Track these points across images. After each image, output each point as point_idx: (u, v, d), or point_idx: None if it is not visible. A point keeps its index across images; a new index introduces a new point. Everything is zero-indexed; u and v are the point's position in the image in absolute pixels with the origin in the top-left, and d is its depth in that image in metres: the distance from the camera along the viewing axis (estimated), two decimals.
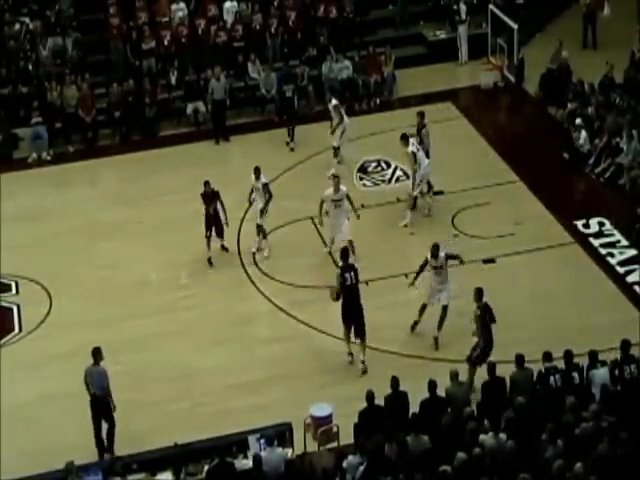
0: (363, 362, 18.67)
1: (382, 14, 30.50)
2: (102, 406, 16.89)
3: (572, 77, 26.99)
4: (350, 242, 20.58)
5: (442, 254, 18.83)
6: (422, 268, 19.05)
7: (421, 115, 23.07)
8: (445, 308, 18.99)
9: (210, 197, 21.47)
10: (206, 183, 21.51)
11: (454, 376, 16.20)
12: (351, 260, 18.91)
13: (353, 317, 18.60)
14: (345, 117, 24.27)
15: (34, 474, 15.81)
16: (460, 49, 29.62)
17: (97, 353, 16.75)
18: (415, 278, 19.17)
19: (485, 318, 17.57)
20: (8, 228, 22.98)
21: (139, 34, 28.28)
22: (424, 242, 21.40)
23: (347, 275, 18.52)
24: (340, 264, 18.81)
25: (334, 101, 24.45)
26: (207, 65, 27.72)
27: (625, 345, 16.34)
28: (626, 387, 16.02)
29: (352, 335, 18.70)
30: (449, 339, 19.14)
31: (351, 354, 18.86)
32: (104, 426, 17.00)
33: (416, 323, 19.37)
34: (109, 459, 16.34)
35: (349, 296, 18.50)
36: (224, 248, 21.97)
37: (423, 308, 19.21)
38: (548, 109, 27.10)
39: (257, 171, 21.78)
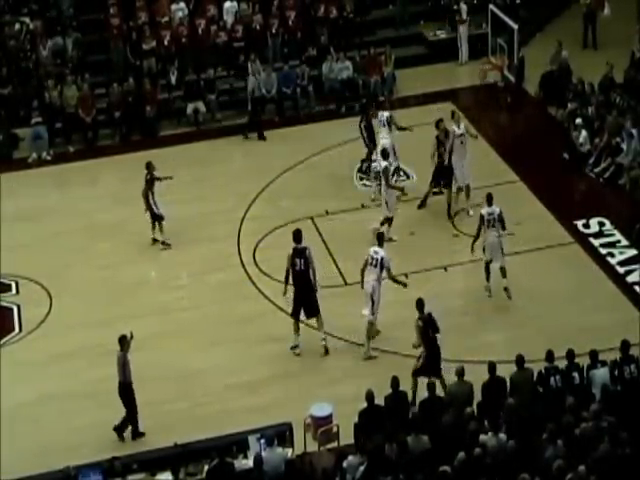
0: (323, 339, 18.89)
1: (382, 14, 30.51)
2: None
3: (572, 77, 26.99)
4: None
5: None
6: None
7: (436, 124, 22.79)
8: None
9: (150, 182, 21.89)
10: (148, 165, 21.95)
11: (459, 374, 16.15)
12: (304, 244, 18.85)
13: (303, 302, 18.74)
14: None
15: (34, 474, 15.82)
16: (460, 49, 29.63)
17: (122, 340, 17.10)
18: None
19: (427, 330, 17.46)
20: (8, 228, 22.98)
21: (139, 34, 28.30)
22: (424, 242, 21.49)
23: (297, 260, 18.59)
24: (292, 246, 18.74)
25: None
26: (207, 65, 27.77)
27: (625, 345, 16.33)
28: (626, 387, 16.01)
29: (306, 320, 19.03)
30: (449, 339, 19.12)
31: (296, 346, 19.08)
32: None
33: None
34: (109, 459, 16.32)
35: (298, 282, 18.62)
36: (156, 241, 22.25)
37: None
38: (548, 109, 27.11)
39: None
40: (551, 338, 17.93)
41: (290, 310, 19.16)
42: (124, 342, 17.08)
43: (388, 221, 21.69)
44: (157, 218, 22.18)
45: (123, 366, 17.07)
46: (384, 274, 18.80)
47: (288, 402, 17.63)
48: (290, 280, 18.91)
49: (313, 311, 18.95)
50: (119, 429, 17.38)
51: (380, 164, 21.93)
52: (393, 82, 28.36)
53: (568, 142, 24.82)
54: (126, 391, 17.18)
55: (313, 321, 19.34)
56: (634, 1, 29.45)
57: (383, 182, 21.64)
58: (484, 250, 20.03)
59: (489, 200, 20.10)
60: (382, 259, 18.76)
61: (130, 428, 17.41)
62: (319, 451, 15.96)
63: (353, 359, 19.02)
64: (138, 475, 15.49)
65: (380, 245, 19.00)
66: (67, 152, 26.72)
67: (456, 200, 22.69)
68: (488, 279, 20.19)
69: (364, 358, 18.93)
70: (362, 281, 18.89)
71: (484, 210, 20.04)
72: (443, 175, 22.60)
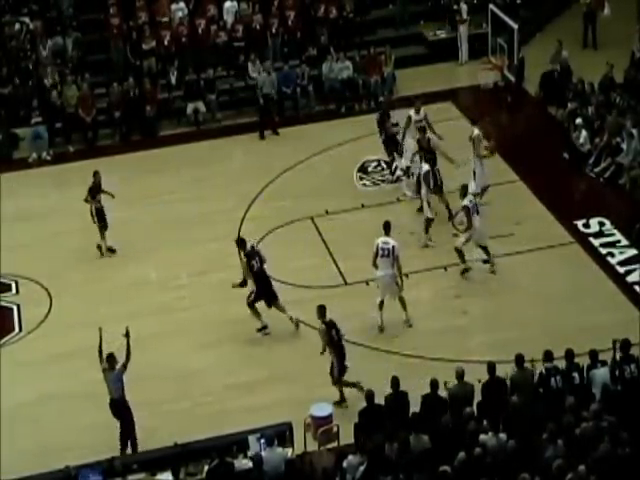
0: (291, 318, 19.30)
1: (382, 14, 30.51)
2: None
3: (572, 77, 26.98)
4: None
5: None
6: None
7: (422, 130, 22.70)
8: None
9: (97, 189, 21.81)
10: (95, 173, 21.84)
11: (459, 376, 16.14)
12: (254, 245, 19.64)
13: (264, 294, 19.36)
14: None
15: (34, 474, 15.82)
16: (460, 49, 29.63)
17: (110, 358, 16.73)
18: None
19: (331, 335, 17.59)
20: (8, 228, 22.98)
21: (139, 34, 28.29)
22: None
23: (253, 262, 19.16)
24: (245, 252, 19.34)
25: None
26: (207, 65, 27.78)
27: (625, 345, 16.31)
28: (626, 387, 16.01)
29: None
30: (450, 338, 19.15)
31: (265, 327, 19.51)
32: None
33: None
34: (109, 459, 16.31)
35: (260, 280, 19.18)
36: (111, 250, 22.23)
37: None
38: (548, 109, 27.10)
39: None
40: (551, 338, 17.92)
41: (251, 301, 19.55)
42: (113, 360, 16.70)
43: (429, 223, 21.61)
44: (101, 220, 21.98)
45: (120, 382, 16.74)
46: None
47: (288, 402, 17.61)
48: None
49: (272, 297, 19.48)
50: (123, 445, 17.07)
51: (422, 167, 21.75)
52: (393, 82, 28.36)
53: (568, 142, 24.82)
54: (125, 406, 16.91)
55: (317, 322, 19.42)
56: (634, 1, 29.46)
57: (424, 185, 21.54)
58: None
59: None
60: (393, 247, 18.96)
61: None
62: (319, 451, 15.96)
63: (353, 359, 18.99)
64: (138, 475, 15.49)
65: (387, 234, 19.08)
66: (67, 152, 26.73)
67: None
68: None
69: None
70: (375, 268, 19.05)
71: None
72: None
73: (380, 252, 19.03)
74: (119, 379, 16.72)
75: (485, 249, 20.67)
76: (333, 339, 17.61)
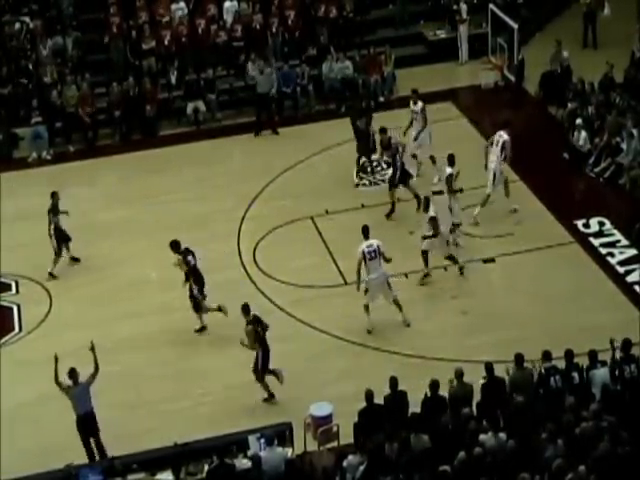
0: (219, 308, 19.55)
1: (382, 14, 30.51)
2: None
3: (572, 77, 26.98)
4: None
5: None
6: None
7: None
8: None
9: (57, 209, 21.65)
10: (53, 194, 21.66)
11: (458, 376, 16.13)
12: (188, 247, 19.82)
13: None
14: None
15: (34, 474, 15.81)
16: (460, 49, 29.63)
17: (72, 373, 16.52)
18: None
19: (258, 331, 17.77)
20: (8, 228, 22.97)
21: (139, 33, 28.29)
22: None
23: (189, 258, 19.51)
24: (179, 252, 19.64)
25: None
26: (207, 64, 27.78)
27: (625, 345, 16.31)
28: (626, 387, 16.01)
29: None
30: (450, 338, 19.16)
31: (204, 328, 19.82)
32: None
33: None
34: (108, 459, 16.32)
35: (197, 276, 19.64)
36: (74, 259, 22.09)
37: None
38: (548, 109, 27.10)
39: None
40: (551, 338, 17.93)
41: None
42: (76, 374, 16.49)
43: (456, 227, 21.53)
44: (64, 239, 21.69)
45: (88, 394, 16.54)
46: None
47: (288, 402, 17.63)
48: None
49: (202, 287, 19.85)
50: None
51: (445, 170, 21.68)
52: (393, 82, 28.37)
53: (568, 142, 24.82)
54: (95, 419, 16.69)
55: (317, 321, 19.47)
56: (634, 1, 29.47)
57: (446, 189, 21.50)
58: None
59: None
60: (378, 247, 19.11)
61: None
62: (319, 451, 15.96)
63: (353, 359, 19.02)
64: (138, 475, 15.49)
65: (367, 238, 19.18)
66: (67, 152, 26.73)
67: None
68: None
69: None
70: (358, 282, 19.10)
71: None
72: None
73: (367, 256, 19.05)
74: (87, 391, 16.56)
75: (451, 257, 20.65)
76: (259, 335, 17.79)
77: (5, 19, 28.25)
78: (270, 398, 18.05)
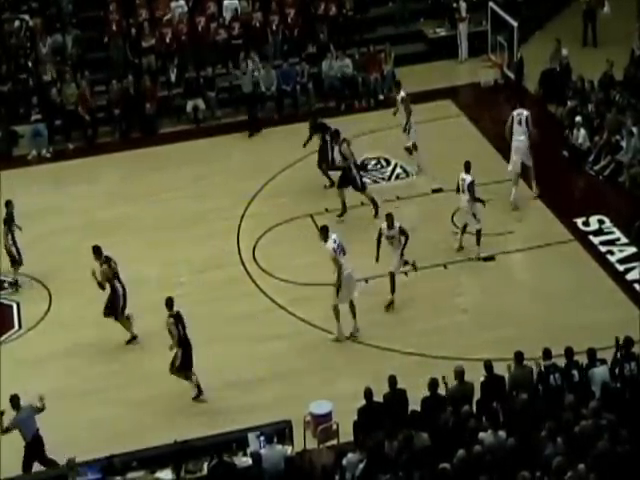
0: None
1: (382, 11, 30.49)
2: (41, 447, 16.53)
3: (572, 75, 26.97)
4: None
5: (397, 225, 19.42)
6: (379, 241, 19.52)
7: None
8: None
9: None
10: (7, 203, 21.43)
11: (459, 374, 16.10)
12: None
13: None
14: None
15: (33, 472, 15.81)
16: (460, 47, 29.61)
17: (15, 400, 16.37)
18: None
19: (178, 327, 17.82)
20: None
21: (139, 31, 28.28)
22: (424, 240, 21.44)
23: (112, 263, 19.51)
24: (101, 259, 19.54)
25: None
26: (207, 62, 27.78)
27: (627, 343, 16.31)
28: (626, 385, 16.01)
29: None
30: (449, 337, 19.16)
31: (135, 337, 19.75)
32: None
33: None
34: (108, 457, 16.30)
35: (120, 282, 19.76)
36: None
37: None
38: (548, 107, 27.09)
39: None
40: (551, 335, 17.92)
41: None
42: (17, 400, 16.35)
43: (479, 233, 21.27)
44: (15, 263, 21.39)
45: (34, 419, 16.36)
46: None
47: (288, 400, 17.62)
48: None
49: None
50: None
51: (466, 178, 21.35)
52: (393, 80, 28.29)
53: (568, 140, 24.81)
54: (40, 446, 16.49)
55: (317, 319, 19.47)
56: None
57: (468, 196, 21.11)
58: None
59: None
60: (340, 242, 18.93)
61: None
62: (319, 448, 15.98)
63: (352, 357, 19.02)
64: (137, 472, 15.48)
65: (326, 240, 19.00)
66: (67, 149, 26.73)
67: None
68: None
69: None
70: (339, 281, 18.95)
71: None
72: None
73: (339, 251, 18.91)
74: (32, 414, 16.38)
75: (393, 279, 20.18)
76: (179, 333, 17.81)
77: (5, 17, 28.24)
78: (199, 395, 18.06)
